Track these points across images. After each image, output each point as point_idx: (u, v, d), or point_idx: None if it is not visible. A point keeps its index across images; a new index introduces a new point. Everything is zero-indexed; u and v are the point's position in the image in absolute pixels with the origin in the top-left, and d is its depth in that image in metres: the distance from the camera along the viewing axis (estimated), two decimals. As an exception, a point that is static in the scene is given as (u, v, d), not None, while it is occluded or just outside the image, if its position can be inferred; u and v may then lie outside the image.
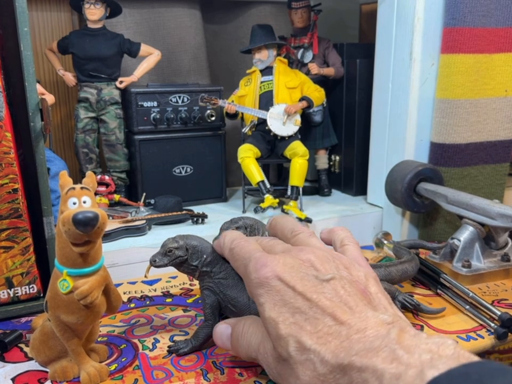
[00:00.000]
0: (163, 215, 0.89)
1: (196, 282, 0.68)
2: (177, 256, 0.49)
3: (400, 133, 0.91)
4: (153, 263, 0.49)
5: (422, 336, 0.31)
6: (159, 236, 0.84)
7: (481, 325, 0.57)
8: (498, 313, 0.56)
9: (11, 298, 0.57)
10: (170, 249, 0.49)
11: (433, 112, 0.87)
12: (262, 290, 0.37)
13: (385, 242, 0.79)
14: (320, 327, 0.34)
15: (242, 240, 0.45)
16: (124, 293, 0.65)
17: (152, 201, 0.96)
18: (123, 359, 0.49)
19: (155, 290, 0.66)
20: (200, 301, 0.62)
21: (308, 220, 0.91)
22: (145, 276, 0.50)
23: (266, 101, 1.00)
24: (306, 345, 0.34)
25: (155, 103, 0.97)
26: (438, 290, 0.64)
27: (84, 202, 0.41)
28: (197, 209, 0.96)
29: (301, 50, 1.07)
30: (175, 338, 0.53)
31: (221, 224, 0.57)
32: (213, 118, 1.01)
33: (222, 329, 0.45)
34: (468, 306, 0.59)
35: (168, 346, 0.50)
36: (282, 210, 0.94)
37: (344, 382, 0.31)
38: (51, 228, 0.57)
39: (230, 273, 0.50)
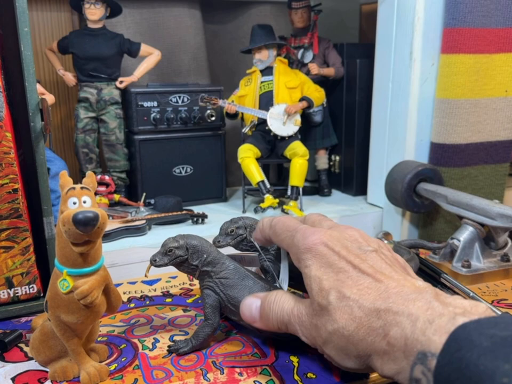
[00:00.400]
0: (163, 215, 0.89)
1: (196, 282, 0.68)
2: (178, 256, 0.49)
3: (400, 133, 0.91)
4: (154, 262, 0.48)
5: (456, 297, 0.34)
6: (159, 236, 0.84)
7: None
8: (499, 313, 0.56)
9: (11, 298, 0.57)
10: (171, 249, 0.48)
11: (433, 112, 0.88)
12: (310, 255, 0.40)
13: (385, 242, 0.79)
14: (361, 282, 0.37)
15: (282, 217, 0.48)
16: (124, 293, 0.65)
17: (152, 201, 0.96)
18: (123, 359, 0.49)
19: (155, 290, 0.66)
20: (200, 301, 0.62)
21: (308, 220, 0.91)
22: (146, 276, 0.50)
23: (266, 101, 1.00)
24: (346, 294, 0.36)
25: (155, 103, 0.97)
26: (438, 290, 0.64)
27: (84, 202, 0.41)
28: (197, 209, 0.96)
29: (301, 50, 1.07)
30: (175, 338, 0.53)
31: (221, 224, 0.57)
32: (213, 118, 1.01)
33: (252, 301, 0.46)
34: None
35: (168, 346, 0.50)
36: (282, 210, 0.94)
37: (378, 325, 0.34)
38: (51, 227, 0.57)
39: (230, 272, 0.50)
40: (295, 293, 0.48)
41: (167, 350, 0.50)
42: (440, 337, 0.30)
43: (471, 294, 0.60)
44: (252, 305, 0.46)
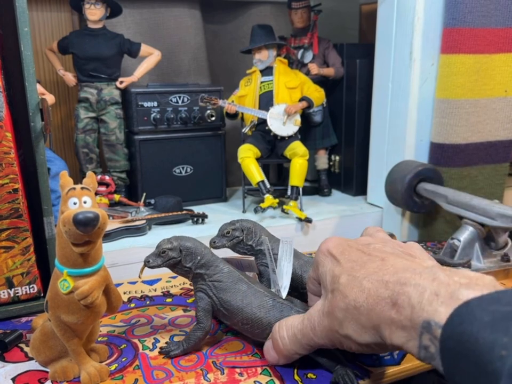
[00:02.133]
0: (163, 215, 0.89)
1: (196, 282, 0.68)
2: (171, 258, 0.48)
3: (400, 133, 0.91)
4: (147, 263, 0.48)
5: (462, 269, 0.36)
6: (159, 236, 0.84)
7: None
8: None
9: (11, 298, 0.57)
10: (164, 250, 0.48)
11: (433, 112, 0.88)
12: (325, 256, 0.43)
13: None
14: (369, 265, 0.39)
15: None
16: (124, 293, 0.65)
17: (152, 201, 0.96)
18: (123, 359, 0.49)
19: (155, 290, 0.66)
20: (200, 301, 0.62)
21: (308, 220, 0.91)
22: (139, 277, 0.50)
23: (266, 101, 1.00)
24: (355, 275, 0.38)
25: (155, 103, 0.97)
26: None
27: (84, 202, 0.41)
28: (197, 209, 0.96)
29: (301, 51, 1.07)
30: (175, 338, 0.53)
31: (221, 225, 0.56)
32: (213, 118, 1.01)
33: (267, 344, 0.47)
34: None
35: (160, 348, 0.50)
36: (282, 210, 0.94)
37: (386, 294, 0.35)
38: (51, 228, 0.57)
39: (224, 276, 0.49)
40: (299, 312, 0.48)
41: (159, 352, 0.50)
42: (445, 309, 0.30)
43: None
44: (268, 348, 0.47)
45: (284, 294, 0.50)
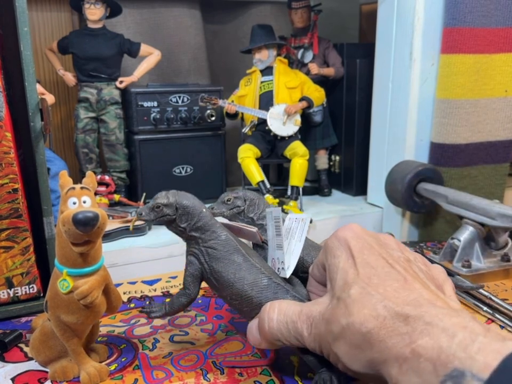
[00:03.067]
0: (163, 215, 0.89)
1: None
2: (165, 214, 0.44)
3: (400, 133, 0.91)
4: (139, 216, 0.45)
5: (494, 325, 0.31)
6: (159, 236, 0.84)
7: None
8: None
9: (11, 298, 0.57)
10: (159, 205, 0.44)
11: (433, 112, 0.87)
12: (340, 245, 0.38)
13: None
14: (389, 283, 0.34)
15: None
16: (124, 293, 0.65)
17: (152, 201, 0.96)
18: (123, 359, 0.49)
19: (155, 290, 0.66)
20: (200, 301, 0.62)
21: (308, 220, 0.91)
22: (130, 229, 0.47)
23: (266, 101, 1.00)
24: (370, 292, 0.33)
25: (155, 103, 0.97)
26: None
27: (84, 202, 0.41)
28: (197, 209, 0.96)
29: (301, 50, 1.07)
30: (175, 338, 0.53)
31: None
32: (213, 118, 1.01)
33: (253, 322, 0.43)
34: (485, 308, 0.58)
35: (142, 307, 0.47)
36: (283, 210, 0.94)
37: (404, 330, 0.30)
38: (51, 227, 0.57)
39: (220, 243, 0.45)
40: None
41: (139, 311, 0.46)
42: (485, 358, 0.26)
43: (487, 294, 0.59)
44: (252, 326, 0.42)
45: (287, 274, 0.45)
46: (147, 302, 0.49)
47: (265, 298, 0.43)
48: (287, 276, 0.45)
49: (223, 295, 0.45)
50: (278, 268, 0.46)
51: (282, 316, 0.39)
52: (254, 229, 0.48)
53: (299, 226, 0.47)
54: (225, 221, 0.50)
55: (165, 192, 0.46)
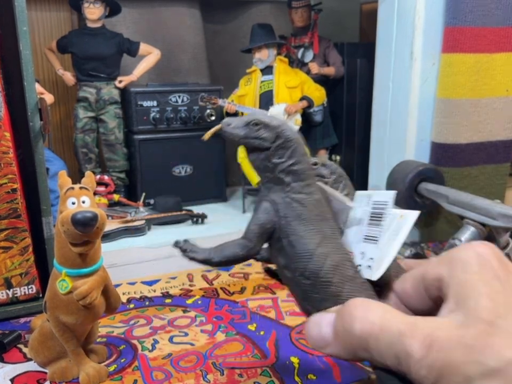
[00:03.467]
0: (162, 215, 0.89)
1: (196, 282, 0.67)
2: (259, 137, 0.34)
3: (400, 132, 0.90)
4: (226, 126, 0.35)
5: None
6: (158, 236, 0.84)
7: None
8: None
9: (10, 299, 0.57)
10: (257, 123, 0.34)
11: (434, 112, 0.87)
12: (474, 260, 0.26)
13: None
14: None
15: None
16: (123, 294, 0.64)
17: (152, 201, 0.96)
18: (122, 360, 0.48)
19: (154, 291, 0.66)
20: (200, 301, 0.62)
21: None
22: (204, 138, 0.36)
23: (266, 100, 1.00)
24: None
25: (155, 103, 0.97)
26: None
27: (83, 202, 0.40)
28: (197, 209, 0.96)
29: (301, 50, 1.07)
30: (175, 339, 0.53)
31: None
32: (213, 118, 1.01)
33: (321, 316, 0.30)
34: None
35: (176, 241, 0.35)
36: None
37: None
38: (50, 228, 0.57)
39: (310, 202, 0.34)
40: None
41: (173, 244, 0.35)
42: None
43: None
44: (321, 321, 0.30)
45: (375, 275, 0.33)
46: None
47: (348, 293, 0.33)
48: (374, 278, 0.33)
49: (292, 267, 0.34)
50: (361, 265, 0.35)
51: (386, 321, 0.28)
52: (350, 204, 0.36)
53: (403, 223, 0.34)
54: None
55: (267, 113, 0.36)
